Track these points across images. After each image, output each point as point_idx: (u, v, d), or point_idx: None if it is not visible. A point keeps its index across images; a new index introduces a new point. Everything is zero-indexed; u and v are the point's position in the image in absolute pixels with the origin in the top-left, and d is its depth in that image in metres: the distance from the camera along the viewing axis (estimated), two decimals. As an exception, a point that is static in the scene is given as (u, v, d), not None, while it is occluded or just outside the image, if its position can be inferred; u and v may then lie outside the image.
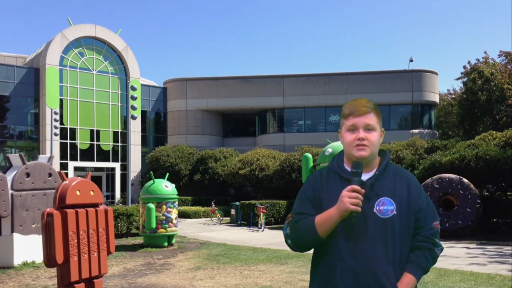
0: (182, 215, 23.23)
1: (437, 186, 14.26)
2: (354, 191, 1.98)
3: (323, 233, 2.05)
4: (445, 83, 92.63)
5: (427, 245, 2.09)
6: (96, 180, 32.13)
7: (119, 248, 12.29)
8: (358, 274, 2.00)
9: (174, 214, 13.02)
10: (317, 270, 2.15)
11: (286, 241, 2.19)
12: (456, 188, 13.99)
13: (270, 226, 18.84)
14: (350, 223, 2.00)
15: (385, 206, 2.04)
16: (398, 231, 2.03)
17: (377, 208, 2.04)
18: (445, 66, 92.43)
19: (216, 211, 21.99)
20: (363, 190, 2.00)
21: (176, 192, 13.29)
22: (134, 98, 25.73)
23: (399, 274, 2.03)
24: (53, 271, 8.50)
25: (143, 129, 36.11)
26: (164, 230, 12.71)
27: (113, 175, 34.05)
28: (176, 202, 13.29)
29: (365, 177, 2.09)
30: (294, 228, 2.13)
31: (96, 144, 33.36)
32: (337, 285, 2.03)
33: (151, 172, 14.29)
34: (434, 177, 14.59)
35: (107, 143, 33.88)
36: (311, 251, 2.21)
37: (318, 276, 2.13)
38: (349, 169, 2.12)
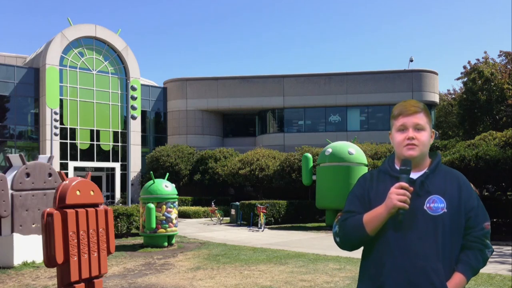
0: (182, 215, 23.23)
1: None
2: (402, 188, 1.99)
3: (371, 231, 2.06)
4: (445, 83, 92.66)
5: (478, 245, 2.08)
6: (96, 180, 32.13)
7: (119, 248, 12.29)
8: (408, 271, 1.99)
9: (174, 214, 13.01)
10: (366, 267, 2.15)
11: (334, 239, 2.20)
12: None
13: (270, 226, 18.83)
14: (398, 221, 2.00)
15: (436, 204, 2.04)
16: (449, 229, 2.03)
17: (428, 205, 2.04)
18: (445, 66, 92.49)
19: (216, 211, 21.98)
20: (411, 188, 2.01)
21: (176, 192, 13.28)
22: (134, 98, 25.73)
23: (448, 272, 2.02)
24: (53, 271, 8.50)
25: (143, 129, 36.11)
26: (164, 230, 12.70)
27: (113, 175, 34.04)
28: (176, 202, 13.28)
29: (415, 175, 2.10)
30: (342, 226, 2.14)
31: (96, 144, 33.36)
32: (385, 282, 2.02)
33: (151, 172, 14.28)
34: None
35: (107, 143, 33.88)
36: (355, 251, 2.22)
37: (367, 273, 2.13)
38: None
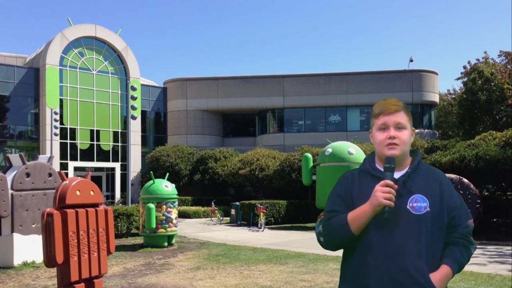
0: (182, 215, 23.23)
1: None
2: (387, 185, 1.98)
3: (356, 230, 2.04)
4: (445, 83, 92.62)
5: (463, 241, 2.10)
6: (96, 180, 32.13)
7: (119, 248, 12.29)
8: (391, 271, 1.98)
9: (174, 214, 13.01)
10: (347, 267, 2.14)
11: (318, 239, 2.17)
12: (456, 188, 13.98)
13: (270, 226, 18.83)
14: (383, 218, 1.99)
15: (418, 203, 2.04)
16: (431, 228, 2.03)
17: (410, 204, 2.03)
18: (445, 66, 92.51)
19: (216, 211, 21.98)
20: (396, 186, 1.99)
21: (176, 192, 13.28)
22: (134, 98, 25.73)
23: (431, 270, 2.02)
24: (53, 271, 8.50)
25: (143, 129, 36.12)
26: (164, 230, 12.70)
27: (113, 175, 34.04)
28: (176, 202, 13.28)
29: (397, 175, 2.08)
30: (326, 225, 2.12)
31: (96, 144, 33.37)
32: (369, 283, 2.01)
33: (151, 172, 14.28)
34: (434, 177, 14.55)
35: (107, 143, 33.88)
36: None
37: (349, 274, 2.12)
38: (381, 169, 2.11)
